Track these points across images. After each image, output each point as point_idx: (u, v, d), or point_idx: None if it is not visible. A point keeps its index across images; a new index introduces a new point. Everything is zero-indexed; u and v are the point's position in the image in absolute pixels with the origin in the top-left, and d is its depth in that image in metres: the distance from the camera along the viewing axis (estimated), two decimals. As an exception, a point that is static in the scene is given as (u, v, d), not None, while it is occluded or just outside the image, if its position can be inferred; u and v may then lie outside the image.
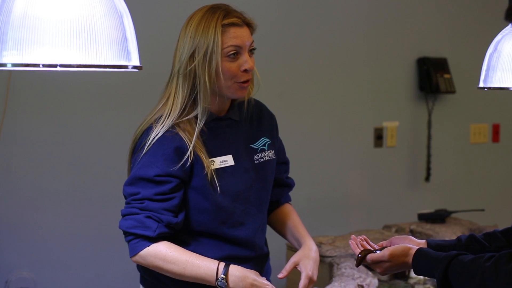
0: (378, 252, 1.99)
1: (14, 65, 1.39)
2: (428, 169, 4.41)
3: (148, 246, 2.02)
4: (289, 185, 2.40)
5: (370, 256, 1.99)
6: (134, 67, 1.49)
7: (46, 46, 1.38)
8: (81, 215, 3.46)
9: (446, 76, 4.36)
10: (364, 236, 2.08)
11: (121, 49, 1.47)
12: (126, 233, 2.07)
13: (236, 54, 2.07)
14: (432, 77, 4.30)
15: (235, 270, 2.03)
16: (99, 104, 3.49)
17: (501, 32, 2.16)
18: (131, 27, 1.51)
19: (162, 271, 2.05)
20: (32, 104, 3.35)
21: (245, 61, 2.07)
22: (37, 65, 1.37)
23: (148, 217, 2.02)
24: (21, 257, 3.37)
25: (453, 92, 4.38)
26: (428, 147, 4.41)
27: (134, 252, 2.05)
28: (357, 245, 2.05)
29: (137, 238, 2.04)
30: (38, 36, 1.38)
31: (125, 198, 2.10)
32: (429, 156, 4.41)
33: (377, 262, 1.98)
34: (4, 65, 1.40)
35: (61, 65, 1.37)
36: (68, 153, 3.43)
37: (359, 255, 2.00)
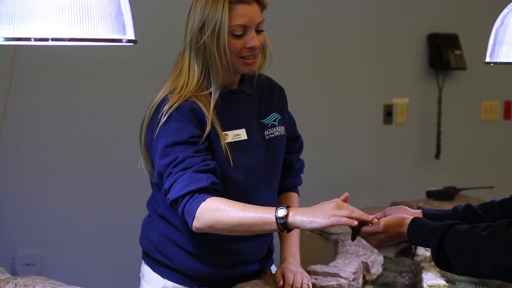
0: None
1: (6, 39, 1.39)
2: (438, 146, 4.38)
3: (203, 201, 1.91)
4: (295, 168, 2.34)
5: (364, 228, 1.93)
6: (129, 41, 1.47)
7: (38, 20, 1.37)
8: (87, 192, 3.47)
9: (457, 52, 4.31)
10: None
11: (116, 23, 1.45)
12: (179, 200, 1.94)
13: (242, 33, 2.04)
14: (443, 53, 4.26)
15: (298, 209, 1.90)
16: (105, 81, 3.48)
17: (508, 6, 2.12)
18: (126, 0, 1.50)
19: (221, 223, 1.90)
20: (37, 81, 3.35)
21: (251, 38, 2.04)
22: (28, 39, 1.36)
23: (195, 171, 1.94)
24: (27, 234, 3.39)
25: (464, 68, 4.34)
26: (438, 124, 4.37)
27: (191, 215, 1.92)
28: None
29: (192, 197, 1.93)
30: (30, 10, 1.37)
31: (162, 175, 2.01)
32: (439, 133, 4.38)
33: (372, 234, 1.94)
34: (-4, 39, 1.39)
35: (53, 39, 1.36)
36: (74, 131, 3.43)
37: (354, 228, 1.94)
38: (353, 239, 1.99)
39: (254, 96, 2.20)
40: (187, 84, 2.06)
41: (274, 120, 2.23)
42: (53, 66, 3.36)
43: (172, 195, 1.95)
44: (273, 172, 2.21)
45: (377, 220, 1.94)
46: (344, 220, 1.82)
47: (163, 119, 2.01)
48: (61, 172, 3.42)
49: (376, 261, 2.54)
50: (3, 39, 1.38)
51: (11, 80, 3.27)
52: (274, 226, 1.87)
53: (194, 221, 1.93)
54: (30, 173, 3.38)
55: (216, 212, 1.90)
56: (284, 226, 1.86)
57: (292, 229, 1.90)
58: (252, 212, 1.89)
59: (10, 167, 3.33)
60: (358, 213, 1.87)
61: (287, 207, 1.87)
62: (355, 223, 1.85)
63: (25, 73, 3.31)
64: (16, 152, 3.34)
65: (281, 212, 1.86)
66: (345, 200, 1.91)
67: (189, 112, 2.02)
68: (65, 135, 3.42)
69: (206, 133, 2.02)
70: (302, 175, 2.40)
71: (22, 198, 3.37)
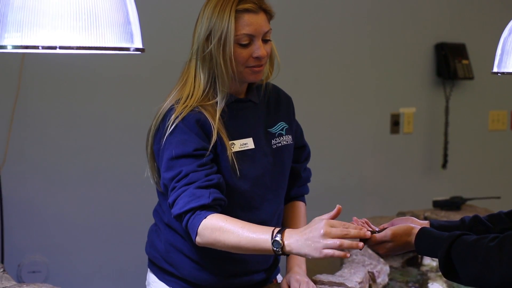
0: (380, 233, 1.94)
1: (14, 47, 1.39)
2: (445, 156, 4.37)
3: (204, 218, 1.92)
4: (302, 177, 2.34)
5: (372, 237, 1.94)
6: (136, 49, 1.48)
7: (46, 28, 1.37)
8: (93, 199, 3.47)
9: (465, 62, 4.31)
10: (366, 219, 2.04)
11: (123, 32, 1.46)
12: (182, 216, 1.96)
13: (249, 42, 2.03)
14: (450, 63, 4.25)
15: (293, 231, 1.87)
16: (112, 89, 3.48)
17: (517, 16, 2.12)
18: (134, 9, 1.50)
19: (220, 243, 1.92)
20: (45, 88, 3.36)
21: (258, 48, 2.03)
22: (36, 47, 1.36)
23: (197, 187, 1.95)
24: (33, 241, 3.39)
25: (471, 78, 4.33)
26: (446, 134, 4.36)
27: (194, 231, 1.93)
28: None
29: (194, 214, 1.94)
30: (39, 18, 1.37)
31: (167, 187, 2.02)
32: (446, 143, 4.37)
33: (380, 242, 1.94)
34: (4, 47, 1.40)
35: (61, 47, 1.36)
36: (80, 138, 3.43)
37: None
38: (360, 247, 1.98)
39: (261, 105, 2.19)
40: (192, 94, 2.06)
41: (282, 129, 2.22)
42: (61, 74, 3.36)
43: (175, 211, 1.97)
44: (280, 181, 2.21)
45: (384, 228, 1.94)
46: (337, 253, 1.80)
47: (169, 130, 2.01)
48: (67, 179, 3.42)
49: (382, 270, 2.53)
50: (11, 47, 1.38)
51: (19, 87, 3.28)
52: (272, 253, 1.88)
53: (196, 237, 1.95)
54: (37, 180, 3.38)
55: (216, 231, 1.91)
56: (283, 253, 1.87)
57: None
58: (250, 234, 1.88)
59: (16, 174, 3.34)
60: (348, 243, 1.80)
61: (282, 233, 1.85)
62: (348, 255, 1.82)
63: (33, 80, 3.32)
64: (23, 159, 3.34)
65: (277, 244, 1.85)
66: (337, 214, 1.86)
67: (195, 123, 2.02)
68: (72, 142, 3.42)
69: (212, 144, 2.02)
70: (309, 184, 2.39)
71: (28, 205, 3.37)
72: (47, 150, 3.38)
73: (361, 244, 1.84)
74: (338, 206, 1.86)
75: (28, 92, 3.31)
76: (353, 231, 1.83)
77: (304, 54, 3.93)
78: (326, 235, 1.79)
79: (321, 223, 1.81)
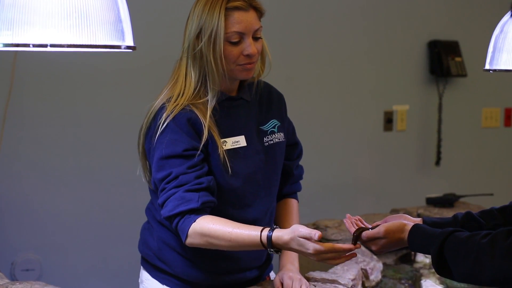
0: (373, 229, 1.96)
1: (5, 45, 1.38)
2: (438, 153, 4.38)
3: (194, 221, 1.94)
4: (294, 175, 2.34)
5: (365, 233, 1.95)
6: (128, 47, 1.47)
7: (37, 26, 1.37)
8: (86, 197, 3.47)
9: (458, 59, 4.32)
10: (359, 217, 2.04)
11: (114, 30, 1.45)
12: (171, 218, 1.98)
13: (239, 40, 2.03)
14: (443, 60, 4.26)
15: (280, 240, 1.90)
16: (104, 88, 3.48)
17: (507, 14, 2.13)
18: (125, 7, 1.50)
19: (212, 246, 1.97)
20: (37, 87, 3.36)
21: (248, 45, 2.03)
22: (27, 45, 1.36)
23: (187, 191, 1.96)
24: (27, 239, 3.39)
25: (464, 75, 4.35)
26: (439, 131, 4.37)
27: (184, 234, 1.96)
28: (352, 224, 2.02)
29: (183, 218, 1.96)
30: (29, 16, 1.37)
31: (157, 187, 2.03)
32: (439, 140, 4.38)
33: (373, 239, 1.95)
34: (-5, 45, 1.39)
35: (52, 45, 1.36)
36: (73, 136, 3.43)
37: (355, 233, 1.96)
38: (354, 243, 1.99)
39: (253, 103, 2.19)
40: (183, 93, 2.06)
41: (273, 127, 2.22)
42: (53, 72, 3.36)
43: (164, 213, 1.98)
44: (272, 179, 2.21)
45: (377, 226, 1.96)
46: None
47: (160, 129, 2.01)
48: (60, 177, 3.42)
49: (375, 267, 2.53)
50: (2, 45, 1.38)
51: (12, 85, 3.27)
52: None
53: (187, 239, 1.97)
54: (30, 179, 3.38)
55: (205, 236, 1.94)
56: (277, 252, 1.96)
57: None
58: (240, 240, 1.93)
59: (10, 173, 3.33)
60: (343, 260, 1.91)
61: (273, 248, 1.92)
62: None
63: (26, 79, 3.31)
64: (16, 157, 3.34)
65: (272, 253, 1.96)
66: (319, 238, 1.87)
67: (186, 122, 2.02)
68: (65, 141, 3.42)
69: (203, 142, 2.02)
70: (302, 182, 2.39)
71: (22, 203, 3.37)
72: (40, 148, 3.38)
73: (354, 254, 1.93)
74: (319, 233, 1.86)
75: (21, 90, 3.31)
76: (344, 259, 1.92)
77: (297, 52, 3.93)
78: (320, 260, 1.90)
79: (308, 251, 1.87)
